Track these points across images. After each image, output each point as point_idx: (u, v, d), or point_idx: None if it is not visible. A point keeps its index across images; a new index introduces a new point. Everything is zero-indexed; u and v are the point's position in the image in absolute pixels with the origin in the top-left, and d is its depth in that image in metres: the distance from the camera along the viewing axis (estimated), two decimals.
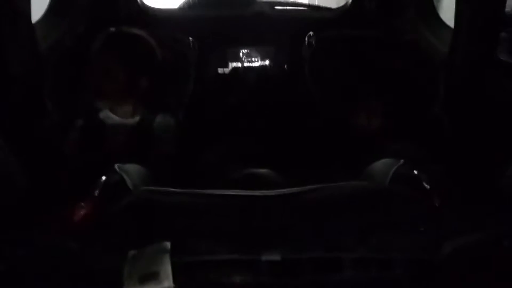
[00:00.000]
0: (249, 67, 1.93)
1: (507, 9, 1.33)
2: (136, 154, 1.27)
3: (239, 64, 1.94)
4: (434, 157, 1.30)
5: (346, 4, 2.00)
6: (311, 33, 1.74)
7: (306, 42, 1.74)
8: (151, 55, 1.41)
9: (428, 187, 0.82)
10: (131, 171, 0.87)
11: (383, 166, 0.91)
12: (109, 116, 1.37)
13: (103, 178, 0.83)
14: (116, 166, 0.86)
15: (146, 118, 1.39)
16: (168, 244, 0.69)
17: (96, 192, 0.80)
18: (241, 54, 1.96)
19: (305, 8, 2.13)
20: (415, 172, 0.86)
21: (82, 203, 0.82)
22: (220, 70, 1.93)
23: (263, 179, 1.06)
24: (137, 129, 1.36)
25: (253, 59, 1.94)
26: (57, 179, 1.20)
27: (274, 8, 2.11)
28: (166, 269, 0.68)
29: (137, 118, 1.38)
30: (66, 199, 0.93)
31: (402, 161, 0.88)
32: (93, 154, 1.30)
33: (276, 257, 0.70)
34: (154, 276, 0.67)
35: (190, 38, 1.71)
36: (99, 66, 1.36)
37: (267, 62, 1.94)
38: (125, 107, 1.38)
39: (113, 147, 1.32)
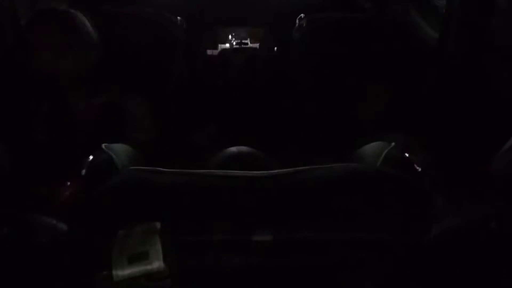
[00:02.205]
0: (238, 48, 1.91)
1: None
2: (106, 134, 1.24)
3: (228, 45, 1.91)
4: (423, 143, 1.31)
5: None
6: (302, 15, 1.73)
7: (297, 24, 1.72)
8: (85, 33, 1.33)
9: (419, 169, 0.82)
10: (118, 151, 0.85)
11: (374, 148, 0.90)
12: (73, 96, 1.33)
13: (90, 157, 0.81)
14: (103, 145, 0.83)
15: (114, 99, 1.35)
16: (158, 224, 0.68)
17: (83, 172, 0.77)
18: (230, 36, 1.93)
19: None
20: (406, 155, 0.86)
21: (68, 183, 0.80)
22: (209, 51, 1.90)
23: (252, 160, 1.05)
24: (104, 110, 1.33)
25: (242, 40, 1.92)
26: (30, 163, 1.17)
27: None
28: (156, 249, 0.66)
29: (103, 98, 1.35)
30: (47, 179, 0.91)
31: (393, 144, 0.87)
32: (59, 135, 1.27)
33: (267, 237, 0.69)
34: (143, 256, 0.66)
35: (178, 18, 1.68)
36: (33, 45, 1.31)
37: (256, 44, 1.91)
38: (85, 87, 1.34)
39: (80, 127, 1.29)
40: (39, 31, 1.29)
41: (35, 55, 1.28)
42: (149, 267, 0.66)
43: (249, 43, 1.91)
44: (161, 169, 0.75)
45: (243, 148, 0.98)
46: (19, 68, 1.33)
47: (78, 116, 1.32)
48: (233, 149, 0.97)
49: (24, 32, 1.32)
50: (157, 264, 0.66)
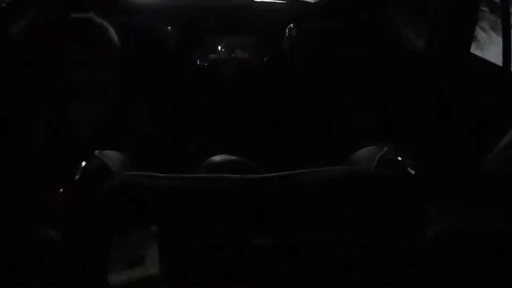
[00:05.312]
0: (228, 58, 1.92)
1: None
2: (105, 142, 1.24)
3: (219, 56, 1.92)
4: (413, 149, 1.32)
5: None
6: (291, 25, 1.75)
7: (287, 34, 1.74)
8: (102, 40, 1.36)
9: (413, 172, 0.82)
10: (111, 157, 0.84)
11: (367, 153, 0.91)
12: (73, 103, 1.33)
13: (83, 163, 0.80)
14: (96, 152, 0.83)
15: (114, 107, 1.35)
16: (154, 228, 0.67)
17: (77, 177, 0.76)
18: (220, 46, 1.94)
19: (284, 1, 2.13)
20: (399, 158, 0.87)
21: (62, 189, 0.79)
22: (199, 61, 1.91)
23: (236, 168, 1.04)
24: (104, 118, 1.33)
25: (232, 50, 1.93)
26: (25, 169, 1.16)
27: (254, 1, 2.09)
28: (153, 254, 0.66)
29: (100, 107, 1.34)
30: (40, 186, 0.90)
31: (386, 148, 0.88)
32: (59, 142, 1.26)
33: (266, 240, 0.69)
34: (140, 261, 0.65)
35: (169, 28, 1.69)
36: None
37: (247, 54, 1.92)
38: (86, 94, 1.34)
39: (80, 134, 1.29)
40: (81, 41, 1.31)
41: (71, 63, 1.30)
42: (146, 272, 0.65)
43: (239, 53, 1.93)
44: (156, 174, 0.75)
45: (228, 157, 0.98)
46: (21, 73, 1.33)
47: (77, 124, 1.31)
48: (217, 157, 0.97)
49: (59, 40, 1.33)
50: (153, 269, 0.65)
